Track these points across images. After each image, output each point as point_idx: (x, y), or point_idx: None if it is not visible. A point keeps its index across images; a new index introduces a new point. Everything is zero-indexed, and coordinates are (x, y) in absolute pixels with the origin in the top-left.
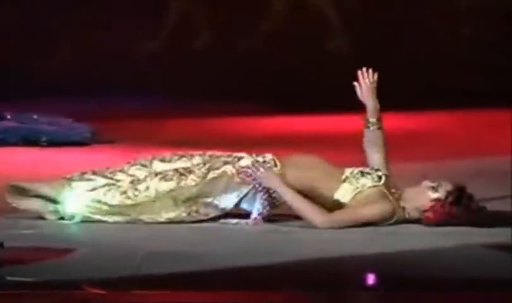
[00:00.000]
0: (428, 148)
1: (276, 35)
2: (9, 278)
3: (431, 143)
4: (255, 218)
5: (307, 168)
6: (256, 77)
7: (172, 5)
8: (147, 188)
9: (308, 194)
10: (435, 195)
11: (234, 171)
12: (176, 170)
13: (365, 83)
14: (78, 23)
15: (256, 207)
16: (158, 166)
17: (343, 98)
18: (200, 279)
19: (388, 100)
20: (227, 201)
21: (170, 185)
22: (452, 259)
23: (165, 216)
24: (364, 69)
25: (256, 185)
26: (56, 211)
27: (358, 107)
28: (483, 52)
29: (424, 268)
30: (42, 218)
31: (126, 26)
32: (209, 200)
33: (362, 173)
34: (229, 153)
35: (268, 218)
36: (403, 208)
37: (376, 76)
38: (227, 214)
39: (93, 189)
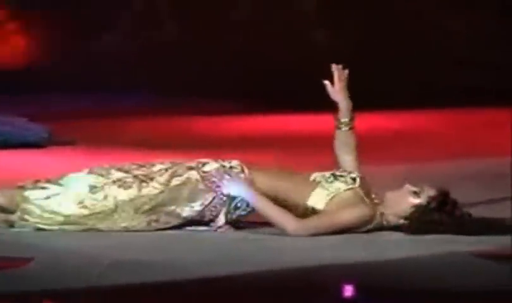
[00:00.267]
0: (414, 148)
1: (250, 26)
2: None
3: (417, 144)
4: (222, 227)
5: (276, 175)
6: (227, 72)
7: None
8: (105, 197)
9: (279, 203)
10: (416, 200)
11: (198, 177)
12: (136, 176)
13: (339, 80)
14: (34, 17)
15: (223, 215)
16: (116, 174)
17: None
18: (166, 290)
19: (373, 98)
20: (191, 210)
21: (131, 193)
22: (434, 269)
23: (123, 225)
24: (338, 66)
25: (223, 193)
26: (7, 220)
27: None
28: (475, 48)
29: (405, 279)
30: None
31: (86, 19)
32: (171, 208)
33: (335, 177)
34: (192, 160)
35: (237, 226)
36: (381, 214)
37: (347, 72)
38: (192, 222)
39: (47, 198)
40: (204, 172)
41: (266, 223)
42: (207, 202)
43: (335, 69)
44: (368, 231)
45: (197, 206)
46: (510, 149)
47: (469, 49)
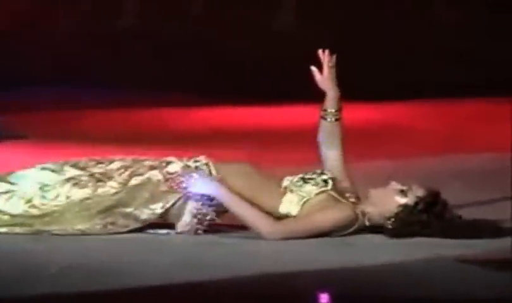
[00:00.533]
0: (400, 143)
1: (210, 17)
2: None
3: (403, 138)
4: (184, 231)
5: (246, 177)
6: (186, 63)
7: None
8: (57, 196)
9: None
10: (402, 200)
11: (160, 177)
12: (92, 175)
13: (327, 67)
14: None
15: (186, 219)
16: (70, 172)
17: (293, 88)
18: (128, 299)
19: (355, 89)
20: (150, 212)
21: (85, 192)
22: (418, 275)
23: (76, 228)
24: (325, 51)
25: (189, 194)
26: None
27: (310, 97)
28: (462, 40)
29: (386, 286)
30: None
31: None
32: (129, 210)
33: (304, 180)
34: (155, 158)
35: (205, 229)
36: (363, 213)
37: (334, 59)
38: (153, 225)
39: None
40: (168, 173)
41: (239, 227)
42: (168, 205)
43: (323, 55)
44: (349, 234)
45: (158, 209)
46: (498, 145)
47: (458, 42)
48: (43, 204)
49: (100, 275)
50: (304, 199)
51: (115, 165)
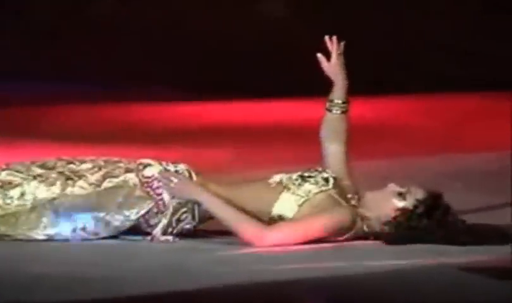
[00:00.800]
0: (397, 141)
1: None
2: None
3: (400, 135)
4: (162, 240)
5: (231, 183)
6: (163, 54)
7: None
8: (22, 194)
9: None
10: (401, 203)
11: (136, 181)
12: (62, 172)
13: (335, 53)
14: None
15: (160, 228)
16: (37, 171)
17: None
18: None
19: (351, 84)
20: (124, 218)
21: (53, 191)
22: (417, 283)
23: (42, 232)
24: (332, 38)
25: (165, 200)
26: None
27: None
28: (458, 35)
29: (382, 294)
30: None
31: None
32: (100, 215)
33: (303, 178)
34: (131, 159)
35: (186, 235)
36: (362, 218)
37: (342, 46)
38: (126, 232)
39: None
40: (144, 177)
41: (223, 232)
42: (143, 212)
43: (330, 42)
44: (347, 239)
45: (132, 215)
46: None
47: (451, 36)
48: (7, 204)
49: (74, 284)
50: (303, 199)
51: (87, 165)
